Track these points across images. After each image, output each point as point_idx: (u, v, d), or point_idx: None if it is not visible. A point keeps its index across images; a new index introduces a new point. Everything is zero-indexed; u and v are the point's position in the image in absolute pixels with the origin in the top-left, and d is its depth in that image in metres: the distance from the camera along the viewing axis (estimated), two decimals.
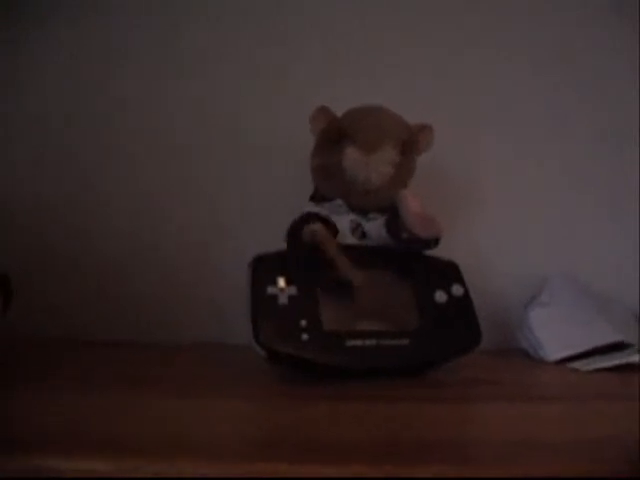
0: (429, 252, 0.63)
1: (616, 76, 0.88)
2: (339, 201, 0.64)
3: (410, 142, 0.65)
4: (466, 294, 0.61)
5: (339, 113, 0.67)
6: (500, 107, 0.87)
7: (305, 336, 0.53)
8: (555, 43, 0.88)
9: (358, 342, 0.55)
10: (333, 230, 0.61)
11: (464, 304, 0.61)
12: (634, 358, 0.65)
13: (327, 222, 0.61)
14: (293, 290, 0.55)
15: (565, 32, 0.88)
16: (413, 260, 0.62)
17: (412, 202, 0.60)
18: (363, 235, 0.63)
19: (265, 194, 0.83)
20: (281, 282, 0.55)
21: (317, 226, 0.58)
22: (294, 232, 0.60)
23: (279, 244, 0.61)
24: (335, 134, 0.64)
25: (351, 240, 0.62)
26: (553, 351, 0.70)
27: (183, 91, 0.84)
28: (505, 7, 0.88)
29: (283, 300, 0.55)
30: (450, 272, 0.62)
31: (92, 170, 0.83)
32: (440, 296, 0.60)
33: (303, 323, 0.54)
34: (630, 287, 0.82)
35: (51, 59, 0.84)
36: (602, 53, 0.88)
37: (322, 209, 0.63)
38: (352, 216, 0.63)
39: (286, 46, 0.85)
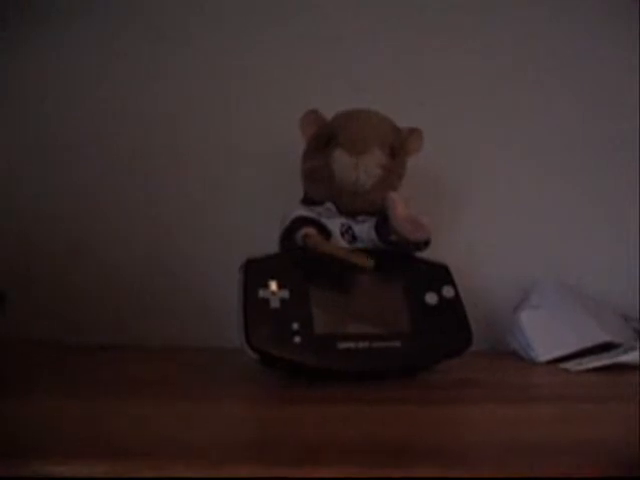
0: (419, 254, 0.63)
1: (615, 77, 0.89)
2: (329, 204, 0.64)
3: (399, 145, 0.66)
4: (457, 296, 0.61)
5: (330, 117, 0.67)
6: (490, 108, 0.87)
7: (297, 339, 0.53)
8: (552, 43, 0.89)
9: (350, 345, 0.55)
10: (325, 232, 0.61)
11: (455, 306, 0.61)
12: (623, 358, 0.65)
13: (318, 225, 0.61)
14: (285, 293, 0.55)
15: (562, 34, 0.89)
16: (404, 262, 0.62)
17: (400, 205, 0.60)
18: (353, 238, 0.63)
19: (257, 197, 0.83)
20: (273, 285, 0.56)
21: (310, 230, 0.59)
22: (287, 238, 0.61)
23: (271, 247, 0.62)
24: (324, 137, 0.65)
25: (341, 243, 0.62)
26: (543, 352, 0.71)
27: (178, 94, 0.85)
28: (502, 8, 0.88)
29: (275, 303, 0.55)
30: (441, 274, 0.63)
31: (86, 174, 0.83)
32: (431, 298, 0.60)
33: (295, 326, 0.54)
34: (620, 288, 0.83)
35: (50, 60, 0.84)
36: (600, 53, 0.89)
37: (311, 212, 0.63)
38: (342, 219, 0.64)
39: (279, 49, 0.85)
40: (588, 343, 0.70)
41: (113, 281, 0.82)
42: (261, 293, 0.55)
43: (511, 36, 0.89)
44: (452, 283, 0.62)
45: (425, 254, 0.63)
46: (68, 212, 0.82)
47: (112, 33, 0.85)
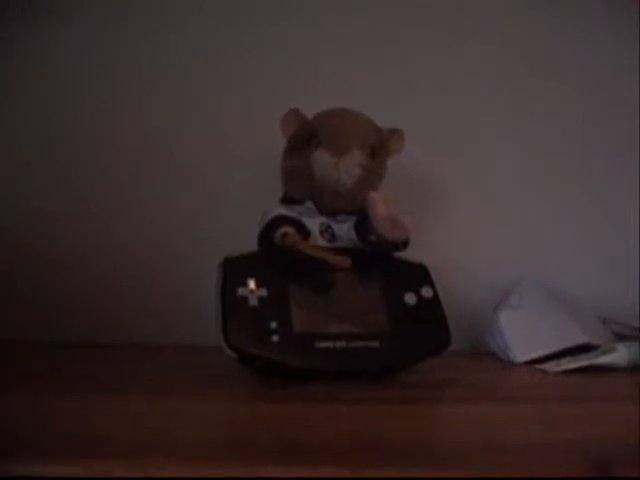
0: (398, 254, 0.63)
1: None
2: (309, 203, 0.64)
3: (380, 145, 0.66)
4: (435, 296, 0.61)
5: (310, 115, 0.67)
6: (470, 107, 0.88)
7: (275, 338, 0.53)
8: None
9: (328, 344, 0.55)
10: (304, 231, 0.61)
11: (434, 306, 0.61)
12: (601, 360, 0.66)
13: (297, 224, 0.61)
14: (263, 292, 0.55)
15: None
16: (383, 262, 0.62)
17: (380, 204, 0.60)
18: (333, 237, 0.63)
19: (239, 196, 0.82)
20: (251, 284, 0.55)
21: (289, 229, 0.59)
22: (265, 236, 0.60)
23: (253, 246, 0.61)
24: (305, 136, 0.65)
25: (321, 242, 0.62)
26: (522, 353, 0.71)
27: (169, 94, 0.84)
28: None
29: (253, 302, 0.55)
30: (419, 274, 0.63)
31: (78, 174, 0.82)
32: (410, 298, 0.60)
33: (273, 325, 0.54)
34: (598, 290, 0.83)
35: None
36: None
37: (291, 211, 0.63)
38: (322, 218, 0.64)
39: (265, 51, 0.86)
40: (566, 344, 0.70)
41: (103, 281, 0.81)
42: (240, 291, 0.55)
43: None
44: (431, 283, 0.62)
45: (405, 253, 0.63)
46: (61, 212, 0.81)
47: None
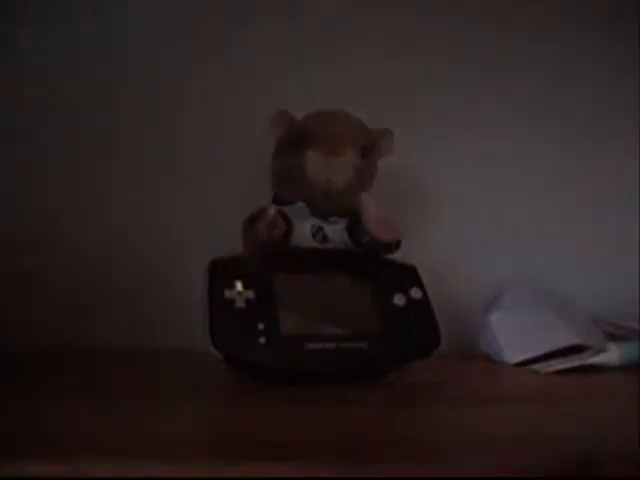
0: (389, 256, 0.63)
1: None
2: (300, 205, 0.64)
3: (371, 146, 0.66)
4: (425, 297, 0.61)
5: (299, 116, 0.67)
6: (457, 108, 0.88)
7: (262, 340, 0.53)
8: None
9: (317, 345, 0.55)
10: (288, 222, 0.61)
11: (423, 307, 0.61)
12: (592, 360, 0.66)
13: (282, 213, 0.61)
14: (250, 294, 0.55)
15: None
16: (372, 263, 0.62)
17: (373, 206, 0.60)
18: (324, 239, 0.63)
19: (229, 198, 0.82)
20: (238, 285, 0.55)
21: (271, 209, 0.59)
22: (250, 223, 0.61)
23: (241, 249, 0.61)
24: (296, 138, 0.64)
25: (312, 244, 0.62)
26: (513, 354, 0.71)
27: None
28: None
29: (240, 304, 0.54)
30: (409, 275, 0.63)
31: (63, 178, 0.82)
32: (399, 299, 0.60)
33: (260, 327, 0.54)
34: (590, 290, 0.83)
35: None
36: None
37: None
38: (313, 220, 0.64)
39: (248, 49, 0.85)
40: (558, 345, 0.70)
41: (89, 285, 0.80)
42: (227, 293, 0.55)
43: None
44: (420, 284, 0.62)
45: (395, 255, 0.63)
46: (40, 210, 0.81)
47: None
